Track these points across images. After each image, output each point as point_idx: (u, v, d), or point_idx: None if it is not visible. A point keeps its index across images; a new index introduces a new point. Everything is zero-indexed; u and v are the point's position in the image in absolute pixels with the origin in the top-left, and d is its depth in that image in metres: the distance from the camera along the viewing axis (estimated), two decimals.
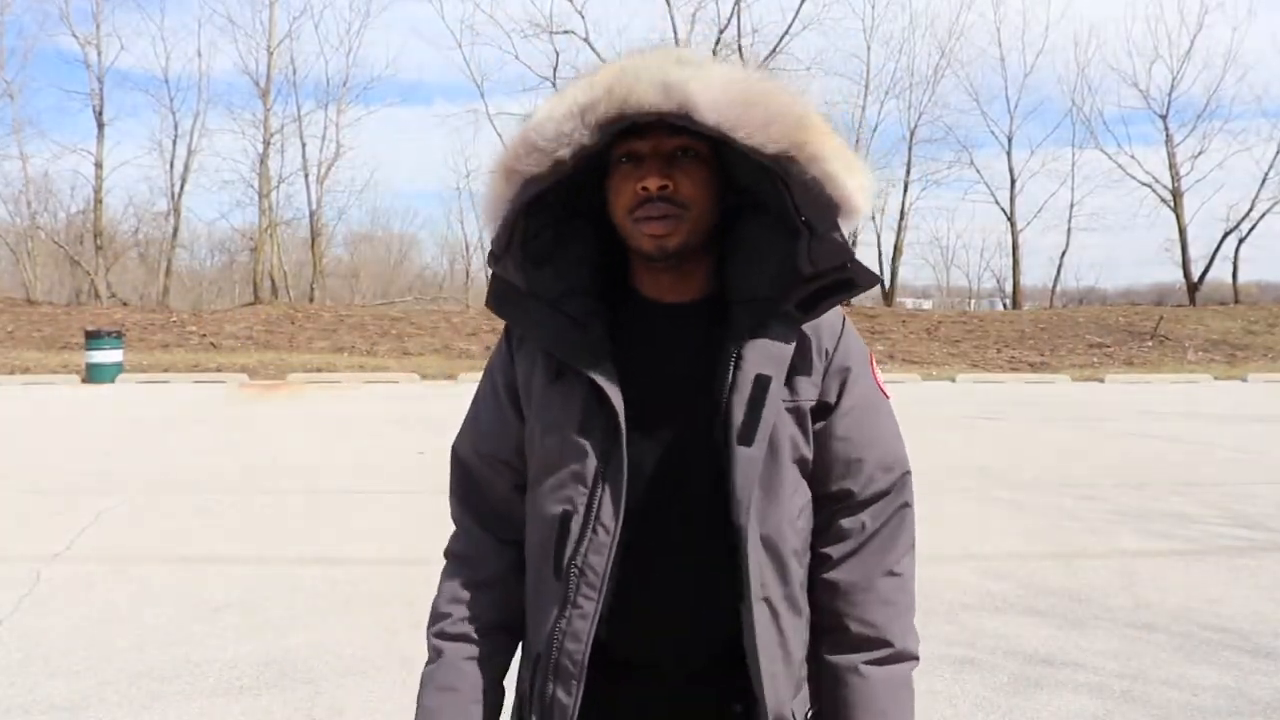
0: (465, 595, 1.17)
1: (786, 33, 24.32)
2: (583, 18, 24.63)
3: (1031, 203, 49.99)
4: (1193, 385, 16.72)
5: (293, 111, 26.62)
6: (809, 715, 1.15)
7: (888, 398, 1.20)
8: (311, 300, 25.83)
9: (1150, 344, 21.15)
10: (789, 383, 1.10)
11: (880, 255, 28.03)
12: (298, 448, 8.75)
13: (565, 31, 24.58)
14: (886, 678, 1.13)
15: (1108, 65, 43.11)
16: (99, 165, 25.70)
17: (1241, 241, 26.84)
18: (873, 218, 27.53)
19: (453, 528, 1.24)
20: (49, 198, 28.80)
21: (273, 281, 26.78)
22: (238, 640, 3.74)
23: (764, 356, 1.07)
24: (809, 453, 1.13)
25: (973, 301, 39.48)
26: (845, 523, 1.15)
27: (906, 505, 1.18)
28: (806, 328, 1.12)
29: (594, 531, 1.06)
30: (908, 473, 1.19)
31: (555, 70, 24.84)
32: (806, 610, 1.15)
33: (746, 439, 1.05)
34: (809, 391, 1.12)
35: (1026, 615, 4.10)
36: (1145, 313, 24.22)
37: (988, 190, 27.94)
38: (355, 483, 6.94)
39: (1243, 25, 43.19)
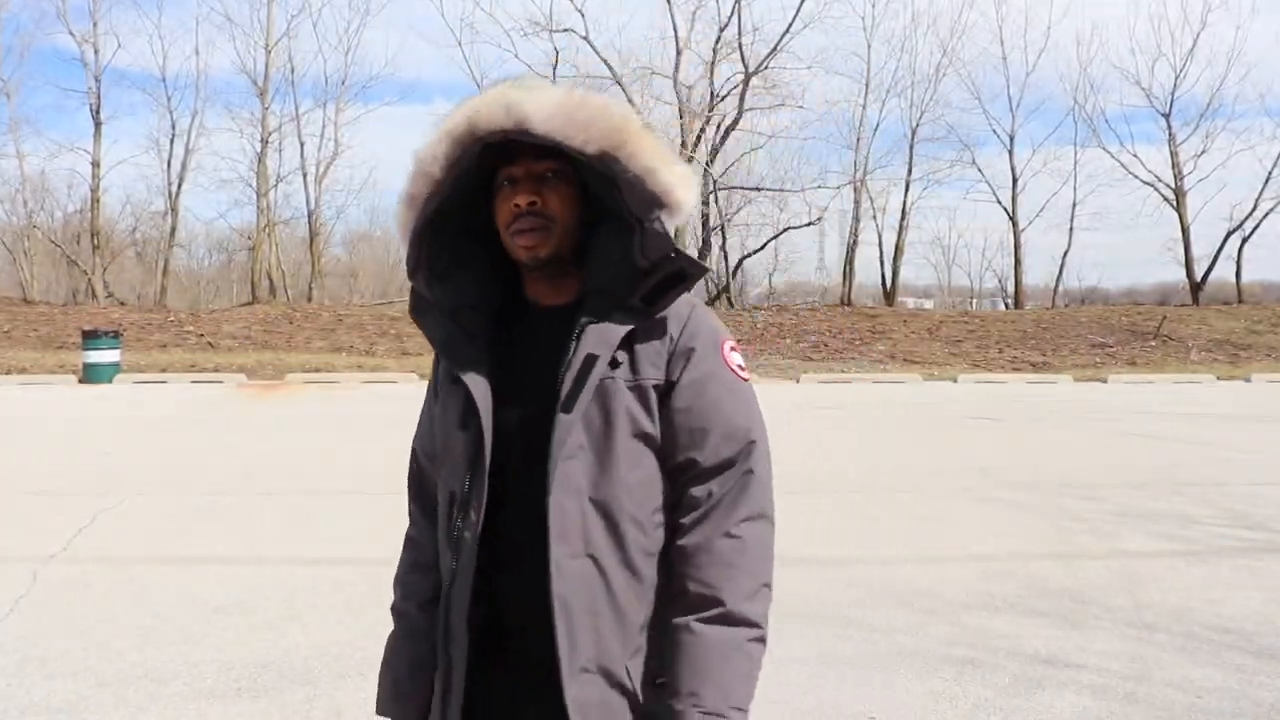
0: (409, 576, 1.40)
1: (787, 31, 24.22)
2: (582, 16, 24.52)
3: (1033, 202, 49.53)
4: (1196, 385, 16.70)
5: (291, 110, 26.54)
6: (656, 682, 1.21)
7: (744, 380, 1.29)
8: (310, 300, 25.78)
9: (1153, 344, 21.13)
10: (634, 365, 1.23)
11: (881, 255, 27.97)
12: (296, 448, 8.73)
13: (565, 30, 24.50)
14: (717, 638, 1.17)
15: (1110, 64, 43.23)
16: (96, 164, 25.65)
17: (1245, 241, 26.82)
18: (874, 217, 27.52)
19: None
20: (46, 197, 28.74)
21: (271, 281, 26.72)
22: (236, 641, 3.72)
23: (597, 339, 1.21)
24: (653, 429, 1.23)
25: (974, 301, 39.42)
26: (694, 491, 1.23)
27: (750, 472, 1.24)
28: (658, 317, 1.25)
29: (467, 513, 1.23)
30: (753, 442, 1.25)
31: (555, 69, 24.76)
32: (653, 578, 1.23)
33: (567, 407, 1.19)
34: (652, 372, 1.23)
35: (1028, 616, 4.08)
36: (1148, 312, 24.19)
37: (989, 189, 27.81)
38: (354, 483, 6.92)
39: (1246, 24, 43.28)
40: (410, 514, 1.44)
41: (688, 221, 1.45)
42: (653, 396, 1.23)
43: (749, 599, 1.19)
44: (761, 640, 1.20)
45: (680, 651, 1.18)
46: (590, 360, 1.20)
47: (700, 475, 1.23)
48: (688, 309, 1.27)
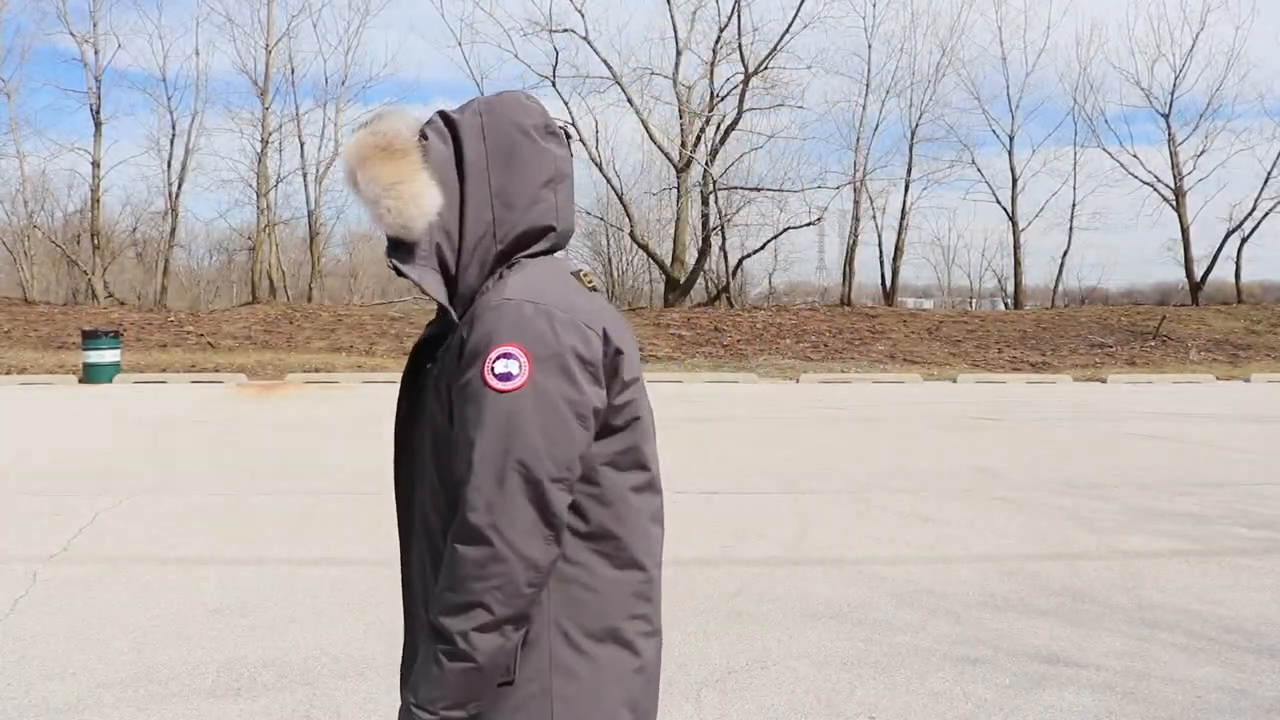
0: None
1: (787, 31, 24.15)
2: (582, 16, 24.44)
3: (1033, 202, 49.79)
4: (1195, 385, 16.70)
5: (291, 110, 26.47)
6: None
7: (497, 390, 1.19)
8: (310, 300, 25.77)
9: (1153, 344, 21.12)
10: (442, 367, 1.29)
11: (881, 255, 27.93)
12: (296, 448, 8.72)
13: (565, 30, 24.43)
14: (427, 638, 1.22)
15: (1110, 64, 43.12)
16: (96, 164, 25.59)
17: (1244, 241, 26.74)
18: (874, 217, 27.51)
19: None
20: (46, 197, 28.66)
21: (271, 281, 26.68)
22: (236, 641, 3.72)
23: (417, 348, 1.41)
24: (447, 428, 1.27)
25: (974, 301, 39.33)
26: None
27: (464, 489, 1.19)
28: (464, 321, 1.28)
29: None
30: (470, 461, 1.19)
31: (555, 69, 24.77)
32: None
33: (399, 405, 1.43)
34: (449, 374, 1.27)
35: (1029, 615, 4.08)
36: (1148, 312, 24.17)
37: (989, 190, 27.69)
38: (354, 483, 6.92)
39: (1245, 24, 42.92)
40: None
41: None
42: (444, 395, 1.27)
43: (446, 613, 1.18)
44: (455, 656, 1.17)
45: None
46: (409, 369, 1.39)
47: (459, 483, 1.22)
48: (484, 310, 1.25)
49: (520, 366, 1.19)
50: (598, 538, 1.27)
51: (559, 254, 1.40)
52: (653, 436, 1.36)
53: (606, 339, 1.26)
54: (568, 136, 1.42)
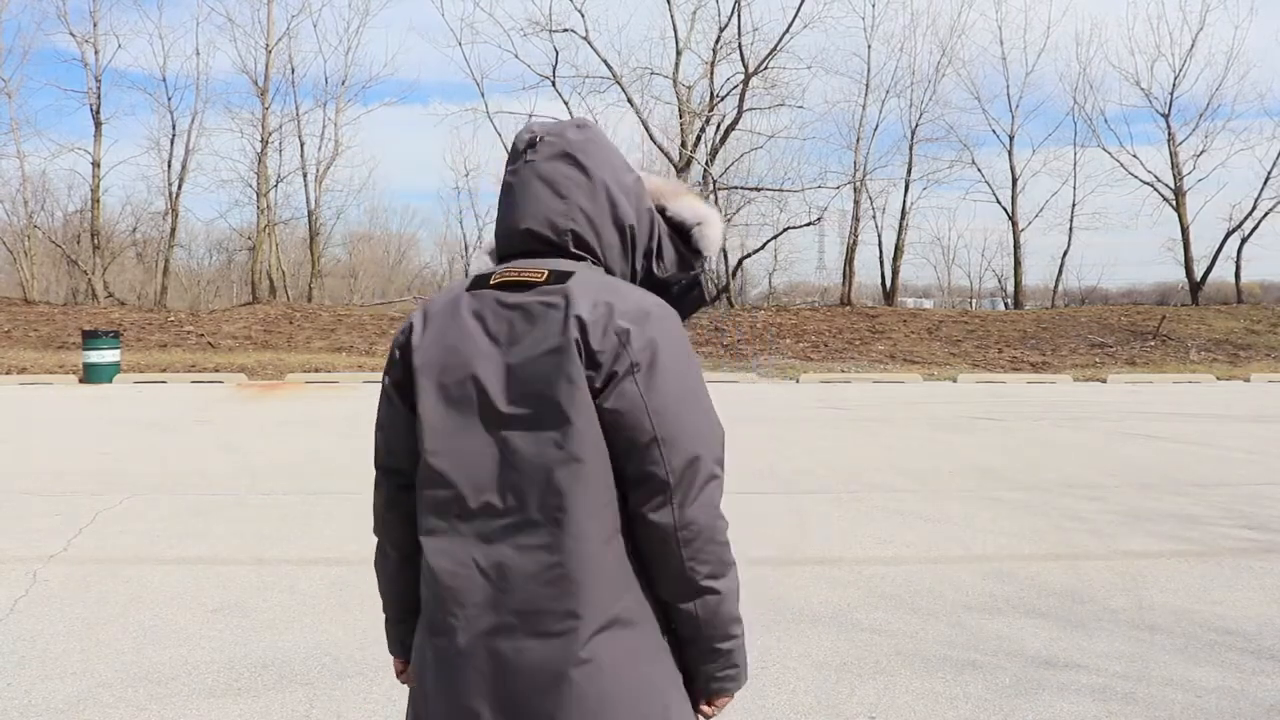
0: None
1: (787, 31, 24.17)
2: (582, 16, 24.46)
3: (1033, 202, 49.94)
4: (1195, 385, 16.70)
5: (291, 110, 26.55)
6: None
7: None
8: (310, 300, 25.78)
9: (1153, 344, 21.13)
10: None
11: (881, 254, 27.98)
12: (296, 448, 8.73)
13: (565, 30, 24.45)
14: None
15: (1110, 64, 43.30)
16: (96, 164, 25.61)
17: (1244, 241, 26.76)
18: (874, 217, 27.53)
19: None
20: (46, 197, 28.72)
21: (271, 281, 26.70)
22: (235, 642, 3.72)
23: None
24: None
25: (974, 301, 39.33)
26: None
27: None
28: None
29: None
30: None
31: (555, 69, 24.78)
32: None
33: None
34: None
35: (1028, 616, 4.08)
36: (1148, 312, 24.18)
37: (989, 189, 27.76)
38: (353, 483, 6.91)
39: (1245, 24, 43.22)
40: None
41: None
42: None
43: None
44: None
45: None
46: None
47: None
48: None
49: None
50: None
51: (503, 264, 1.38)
52: (445, 433, 1.29)
53: (410, 330, 1.37)
54: (528, 145, 1.37)
